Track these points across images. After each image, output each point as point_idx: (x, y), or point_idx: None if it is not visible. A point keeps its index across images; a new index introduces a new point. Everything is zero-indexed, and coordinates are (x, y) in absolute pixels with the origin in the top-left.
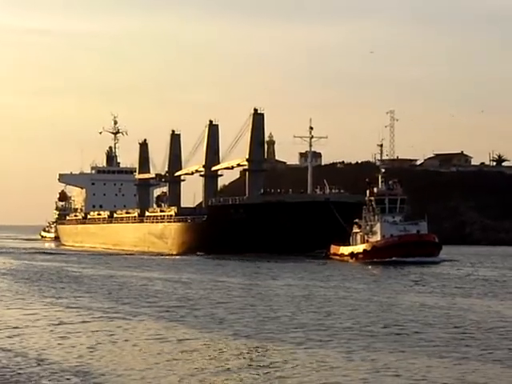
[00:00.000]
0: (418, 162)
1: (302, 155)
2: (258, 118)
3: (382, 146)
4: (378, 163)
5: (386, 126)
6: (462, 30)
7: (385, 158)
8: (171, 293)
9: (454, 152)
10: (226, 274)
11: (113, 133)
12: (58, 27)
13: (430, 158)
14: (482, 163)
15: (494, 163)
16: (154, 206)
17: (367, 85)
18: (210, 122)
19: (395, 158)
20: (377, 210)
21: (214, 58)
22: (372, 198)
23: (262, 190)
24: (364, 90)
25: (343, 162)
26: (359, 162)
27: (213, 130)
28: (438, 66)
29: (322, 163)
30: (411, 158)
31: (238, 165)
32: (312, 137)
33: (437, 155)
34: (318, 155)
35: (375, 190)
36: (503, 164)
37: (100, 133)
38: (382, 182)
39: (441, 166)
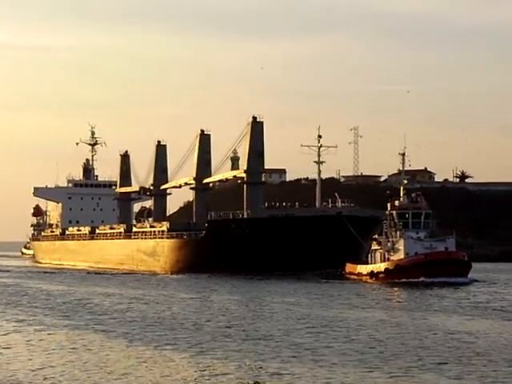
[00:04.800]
0: (382, 179)
1: (267, 171)
2: (256, 127)
3: (404, 154)
4: (402, 176)
5: (349, 143)
6: (428, 45)
7: (349, 174)
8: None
9: (418, 168)
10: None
11: (90, 144)
12: (32, 41)
13: (394, 175)
14: (446, 180)
15: (458, 180)
16: (134, 221)
17: (332, 99)
18: (202, 131)
19: (359, 174)
20: (399, 225)
21: (194, 71)
22: (393, 212)
23: (267, 204)
24: (329, 104)
25: (307, 178)
26: (323, 178)
27: (204, 140)
28: (404, 82)
29: (287, 179)
30: (375, 174)
31: (234, 177)
32: (321, 146)
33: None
34: (282, 171)
35: (397, 203)
36: (466, 180)
37: (77, 144)
38: (404, 194)
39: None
